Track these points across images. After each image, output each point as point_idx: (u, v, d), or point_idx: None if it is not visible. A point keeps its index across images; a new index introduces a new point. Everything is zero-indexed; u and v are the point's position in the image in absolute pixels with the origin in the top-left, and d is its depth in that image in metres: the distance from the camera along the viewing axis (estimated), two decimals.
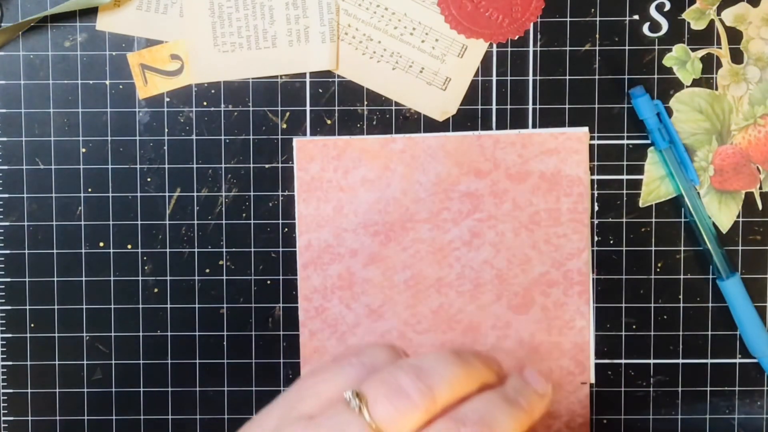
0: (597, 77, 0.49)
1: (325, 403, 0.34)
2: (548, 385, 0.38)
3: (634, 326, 0.50)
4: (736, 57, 0.49)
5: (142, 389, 0.50)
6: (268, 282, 0.50)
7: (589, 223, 0.50)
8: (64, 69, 0.49)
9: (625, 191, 0.50)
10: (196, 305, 0.50)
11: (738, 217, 0.50)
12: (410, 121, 0.49)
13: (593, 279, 0.50)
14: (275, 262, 0.50)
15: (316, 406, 0.34)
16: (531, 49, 0.49)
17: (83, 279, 0.50)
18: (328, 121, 0.49)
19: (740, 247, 0.50)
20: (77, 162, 0.49)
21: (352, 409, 0.33)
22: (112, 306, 0.50)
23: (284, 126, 0.49)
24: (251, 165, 0.49)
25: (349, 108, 0.49)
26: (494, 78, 0.49)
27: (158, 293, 0.50)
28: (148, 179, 0.50)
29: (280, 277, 0.50)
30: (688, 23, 0.49)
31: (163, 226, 0.50)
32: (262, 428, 0.34)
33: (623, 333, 0.50)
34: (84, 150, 0.49)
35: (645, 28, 0.49)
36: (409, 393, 0.33)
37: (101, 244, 0.50)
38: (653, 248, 0.50)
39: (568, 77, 0.49)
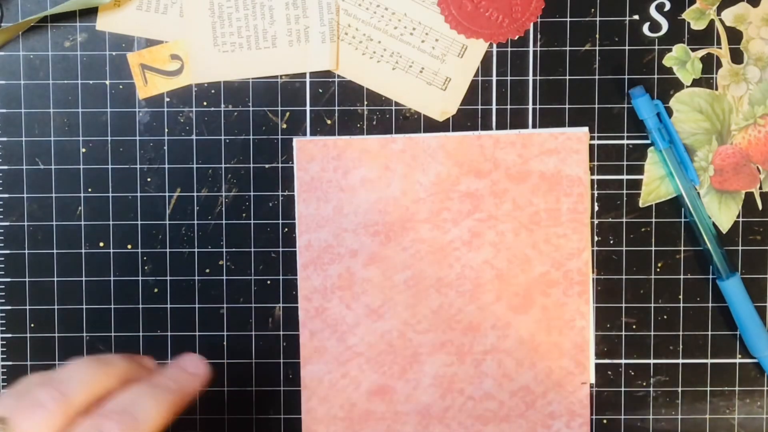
0: (597, 77, 0.49)
1: None
2: (203, 364, 0.42)
3: (634, 326, 0.50)
4: (736, 57, 0.49)
5: None
6: (268, 282, 0.50)
7: (589, 223, 0.50)
8: (64, 69, 0.49)
9: (625, 191, 0.50)
10: (196, 305, 0.50)
11: (738, 217, 0.50)
12: (410, 121, 0.49)
13: (593, 279, 0.50)
14: (275, 262, 0.50)
15: None
16: (531, 49, 0.49)
17: (83, 279, 0.50)
18: (328, 121, 0.49)
19: (740, 247, 0.50)
20: (77, 162, 0.49)
21: None
22: (112, 306, 0.50)
23: (284, 126, 0.49)
24: (251, 165, 0.49)
25: (349, 108, 0.49)
26: (494, 78, 0.49)
27: (158, 293, 0.50)
28: (148, 179, 0.50)
29: (280, 277, 0.50)
30: (688, 23, 0.49)
31: (163, 226, 0.50)
32: None
33: (623, 333, 0.50)
34: (84, 150, 0.49)
35: (645, 28, 0.49)
36: (44, 403, 0.36)
37: (101, 244, 0.50)
38: (653, 248, 0.50)
39: (568, 77, 0.49)
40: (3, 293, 0.50)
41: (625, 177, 0.50)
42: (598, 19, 0.49)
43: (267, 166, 0.50)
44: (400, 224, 0.49)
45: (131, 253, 0.50)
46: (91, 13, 0.49)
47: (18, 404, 0.37)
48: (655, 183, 0.50)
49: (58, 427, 0.37)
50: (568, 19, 0.49)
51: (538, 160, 0.49)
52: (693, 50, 0.49)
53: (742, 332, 0.50)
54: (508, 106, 0.49)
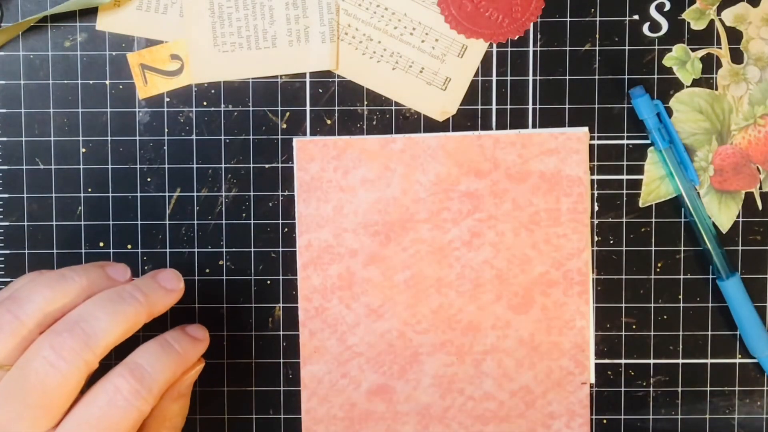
0: (597, 77, 0.49)
1: None
2: (178, 280, 0.42)
3: (634, 326, 0.50)
4: (736, 57, 0.49)
5: None
6: (268, 282, 0.50)
7: (589, 223, 0.50)
8: (64, 69, 0.49)
9: (625, 191, 0.50)
10: (196, 305, 0.50)
11: (738, 217, 0.50)
12: (410, 121, 0.49)
13: (593, 279, 0.50)
14: (275, 262, 0.50)
15: None
16: (531, 49, 0.49)
17: None
18: (328, 121, 0.49)
19: (740, 247, 0.50)
20: (77, 162, 0.49)
21: None
22: None
23: (284, 126, 0.49)
24: (251, 165, 0.49)
25: (349, 108, 0.49)
26: (494, 78, 0.49)
27: None
28: (148, 179, 0.50)
29: (280, 277, 0.50)
30: (688, 23, 0.49)
31: (163, 226, 0.50)
32: None
33: (623, 333, 0.50)
34: (84, 150, 0.49)
35: (645, 28, 0.49)
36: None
37: (101, 244, 0.50)
38: (653, 248, 0.50)
39: (568, 77, 0.49)
40: None
41: (625, 177, 0.50)
42: (598, 19, 0.49)
43: (267, 166, 0.50)
44: (400, 224, 0.49)
45: (131, 253, 0.50)
46: (91, 13, 0.49)
47: None
48: (655, 183, 0.50)
49: (9, 350, 0.37)
50: (568, 19, 0.49)
51: (538, 160, 0.49)
52: (693, 50, 0.49)
53: (742, 332, 0.50)
54: (508, 106, 0.49)
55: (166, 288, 0.41)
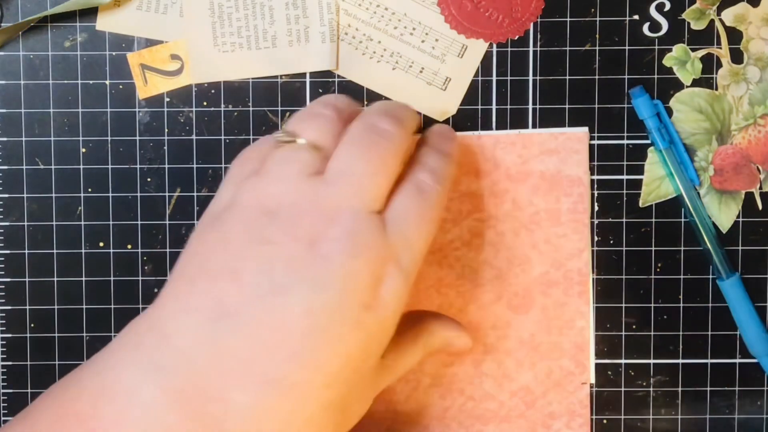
0: (597, 77, 0.49)
1: (264, 155, 0.40)
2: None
3: (634, 326, 0.50)
4: (736, 57, 0.49)
5: None
6: None
7: (589, 223, 0.50)
8: (64, 69, 0.49)
9: (625, 191, 0.50)
10: None
11: (738, 217, 0.50)
12: None
13: (593, 279, 0.50)
14: None
15: (258, 161, 0.40)
16: (531, 49, 0.49)
17: (83, 279, 0.50)
18: None
19: (740, 247, 0.50)
20: (77, 162, 0.49)
21: (288, 143, 0.40)
22: (112, 306, 0.50)
23: None
24: None
25: None
26: (494, 78, 0.49)
27: (158, 293, 0.50)
28: (148, 179, 0.50)
29: None
30: (688, 23, 0.49)
31: (163, 226, 0.50)
32: (221, 210, 0.41)
33: (623, 333, 0.50)
34: (84, 150, 0.49)
35: (645, 28, 0.49)
36: (322, 112, 0.41)
37: (101, 244, 0.50)
38: (653, 248, 0.50)
39: (568, 77, 0.49)
40: (3, 293, 0.50)
41: (625, 177, 0.50)
42: (598, 19, 0.49)
43: None
44: None
45: (131, 253, 0.50)
46: (91, 13, 0.49)
47: (296, 121, 0.41)
48: (655, 183, 0.50)
49: (337, 130, 0.40)
50: (568, 19, 0.49)
51: (538, 160, 0.49)
52: (693, 50, 0.49)
53: (742, 332, 0.50)
54: (508, 106, 0.49)
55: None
